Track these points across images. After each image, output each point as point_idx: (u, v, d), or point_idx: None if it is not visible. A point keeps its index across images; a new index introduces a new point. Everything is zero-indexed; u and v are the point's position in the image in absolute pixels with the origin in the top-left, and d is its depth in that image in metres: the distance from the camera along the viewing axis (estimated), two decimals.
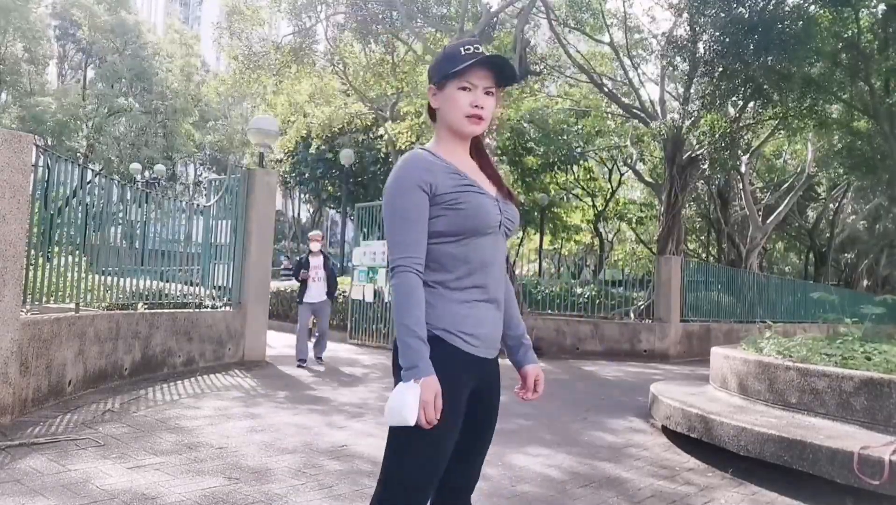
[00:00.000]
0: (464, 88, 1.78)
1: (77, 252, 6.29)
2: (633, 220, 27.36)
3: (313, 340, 11.74)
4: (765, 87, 12.85)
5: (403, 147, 19.59)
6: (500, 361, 1.93)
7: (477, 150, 1.91)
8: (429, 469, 1.73)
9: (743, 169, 20.08)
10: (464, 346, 1.73)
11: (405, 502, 1.73)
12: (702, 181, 21.84)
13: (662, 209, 16.32)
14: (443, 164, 1.77)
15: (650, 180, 22.80)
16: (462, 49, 1.79)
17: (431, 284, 1.74)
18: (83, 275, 6.33)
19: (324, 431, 5.18)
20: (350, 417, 5.75)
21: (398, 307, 1.67)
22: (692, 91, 14.83)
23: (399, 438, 1.71)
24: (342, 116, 19.54)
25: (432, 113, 1.89)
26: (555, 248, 31.90)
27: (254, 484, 3.76)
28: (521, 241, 31.01)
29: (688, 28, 13.96)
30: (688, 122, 14.01)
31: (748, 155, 19.43)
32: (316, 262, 9.17)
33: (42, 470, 3.77)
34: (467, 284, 1.76)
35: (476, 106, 1.78)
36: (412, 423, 1.61)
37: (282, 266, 28.32)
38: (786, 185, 23.74)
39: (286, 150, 22.88)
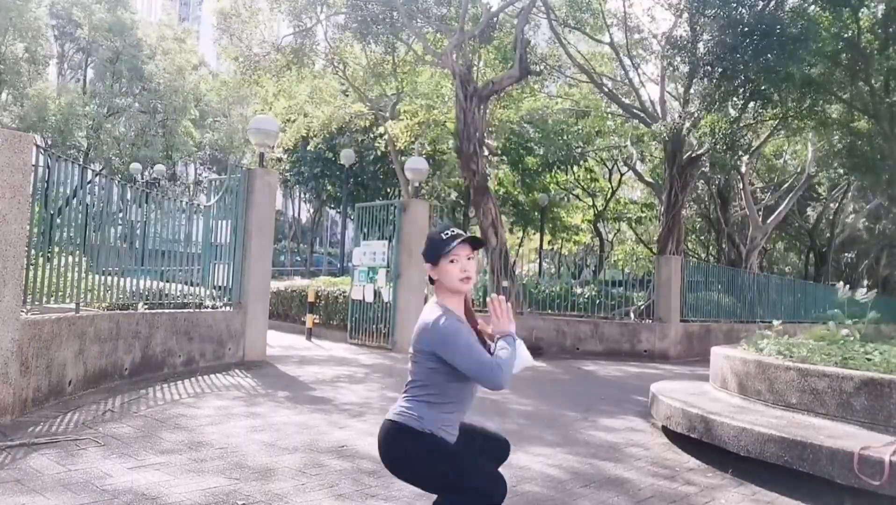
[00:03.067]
0: (452, 262, 2.47)
1: (77, 252, 6.29)
2: (633, 221, 27.35)
3: (313, 340, 11.76)
4: (765, 87, 12.83)
5: (403, 147, 19.62)
6: None
7: (466, 306, 2.61)
8: (482, 469, 2.50)
9: (743, 169, 20.07)
10: (447, 437, 2.50)
11: (484, 478, 2.47)
12: (702, 181, 21.84)
13: (662, 209, 16.31)
14: (462, 321, 2.51)
15: (650, 180, 22.78)
16: (442, 235, 2.49)
17: (431, 403, 2.45)
18: (83, 275, 6.33)
19: (325, 430, 5.18)
20: (351, 416, 5.75)
21: (509, 368, 2.42)
22: (692, 91, 14.81)
23: (460, 474, 2.44)
24: (342, 116, 19.53)
25: (432, 280, 2.54)
26: (555, 249, 31.90)
27: (255, 483, 3.77)
28: (522, 241, 31.01)
29: (688, 28, 13.94)
30: (688, 123, 14.00)
31: (748, 155, 19.41)
32: None
33: (42, 470, 3.77)
34: (453, 410, 2.51)
35: (464, 271, 2.48)
36: (527, 354, 2.59)
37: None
38: (786, 185, 23.72)
39: (286, 150, 22.87)
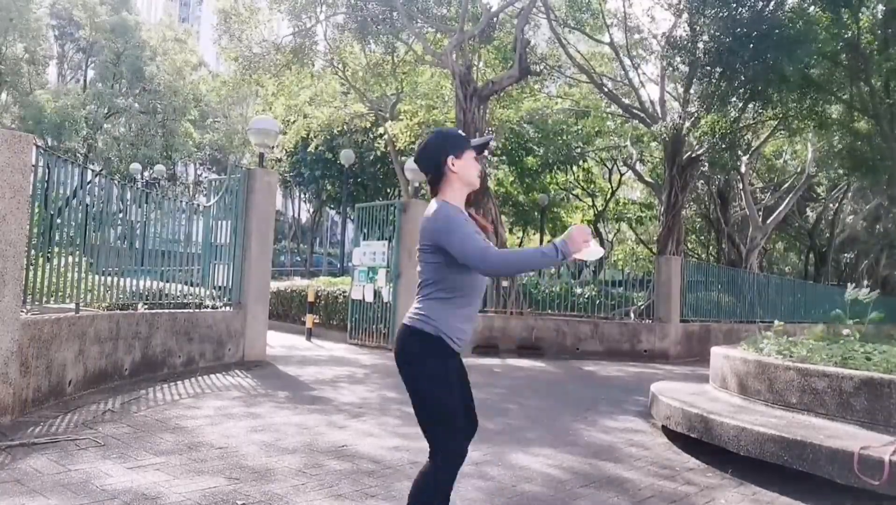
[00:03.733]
0: (475, 157, 2.64)
1: (77, 252, 6.28)
2: (633, 221, 27.35)
3: (313, 340, 11.76)
4: (765, 87, 12.84)
5: (403, 147, 19.61)
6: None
7: (469, 203, 2.71)
8: (459, 415, 2.57)
9: (743, 169, 20.07)
10: (452, 344, 2.55)
11: (458, 456, 2.54)
12: (702, 181, 21.84)
13: (662, 209, 16.32)
14: (465, 215, 2.58)
15: (650, 180, 22.79)
16: (459, 132, 2.71)
17: (442, 298, 2.51)
18: (83, 275, 6.33)
19: (325, 430, 5.18)
20: (351, 416, 5.75)
21: (514, 262, 2.55)
22: (692, 91, 14.82)
23: (437, 409, 2.51)
24: (342, 117, 19.52)
25: (435, 180, 2.61)
26: None
27: (254, 484, 3.77)
28: (521, 241, 31.01)
29: (688, 28, 13.95)
30: (688, 123, 14.00)
31: (748, 155, 19.42)
32: None
33: (42, 470, 3.77)
34: (465, 304, 2.56)
35: (479, 168, 2.67)
36: (599, 250, 2.44)
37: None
38: (786, 185, 23.74)
39: (286, 151, 22.87)
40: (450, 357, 2.55)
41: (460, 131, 2.69)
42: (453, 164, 2.58)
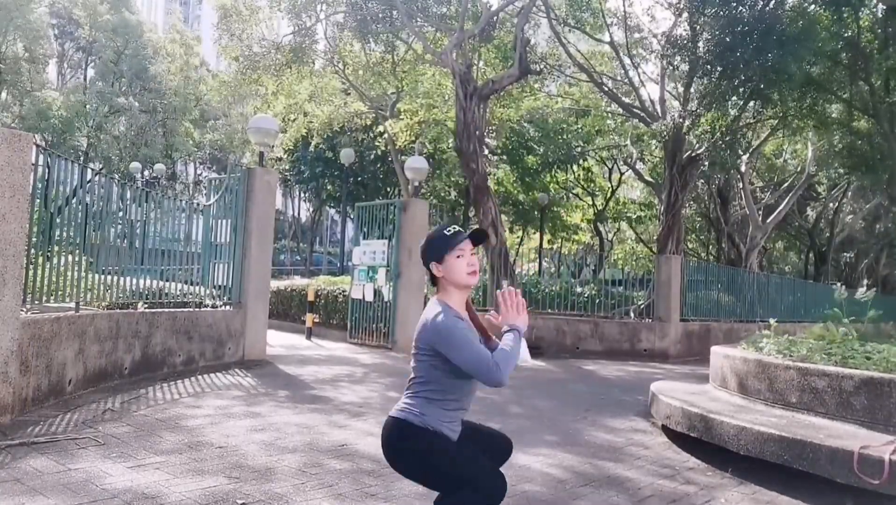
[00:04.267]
0: (459, 257, 2.53)
1: (77, 251, 6.28)
2: (633, 220, 27.34)
3: (313, 339, 11.76)
4: (765, 86, 12.83)
5: (403, 146, 19.61)
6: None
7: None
8: (482, 463, 2.52)
9: (743, 168, 20.06)
10: (448, 433, 2.52)
11: (494, 480, 2.48)
12: (702, 181, 21.82)
13: (662, 209, 16.31)
14: (462, 318, 2.54)
15: (650, 180, 22.77)
16: (446, 232, 2.56)
17: (434, 399, 2.49)
18: (83, 274, 6.33)
19: (325, 430, 5.18)
20: (351, 416, 5.75)
21: (513, 359, 2.43)
22: (692, 90, 14.81)
23: (458, 477, 2.45)
24: (342, 116, 19.52)
25: (434, 279, 2.59)
26: (554, 248, 31.89)
27: (254, 483, 3.77)
28: (521, 240, 30.99)
29: (688, 27, 13.94)
30: (688, 122, 13.99)
31: (748, 154, 19.42)
32: None
33: (42, 469, 3.77)
34: (456, 407, 2.55)
35: (470, 265, 2.55)
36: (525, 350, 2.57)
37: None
38: (786, 184, 23.72)
39: (286, 149, 22.86)
40: (451, 439, 2.52)
41: (449, 229, 2.58)
42: (438, 270, 2.55)
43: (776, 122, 16.51)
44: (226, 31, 17.28)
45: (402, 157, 18.29)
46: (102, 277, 6.77)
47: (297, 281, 17.26)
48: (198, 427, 5.00)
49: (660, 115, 16.16)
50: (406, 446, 2.49)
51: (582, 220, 28.98)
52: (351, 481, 3.90)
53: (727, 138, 13.85)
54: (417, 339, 2.51)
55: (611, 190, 26.60)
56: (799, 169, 22.98)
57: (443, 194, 27.21)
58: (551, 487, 4.05)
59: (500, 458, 2.72)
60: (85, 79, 35.88)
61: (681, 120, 14.11)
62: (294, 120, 19.35)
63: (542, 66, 16.67)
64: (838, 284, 6.61)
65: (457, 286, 2.56)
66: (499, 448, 2.74)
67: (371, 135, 23.87)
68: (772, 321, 6.32)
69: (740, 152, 17.08)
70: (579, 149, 21.62)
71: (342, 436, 5.01)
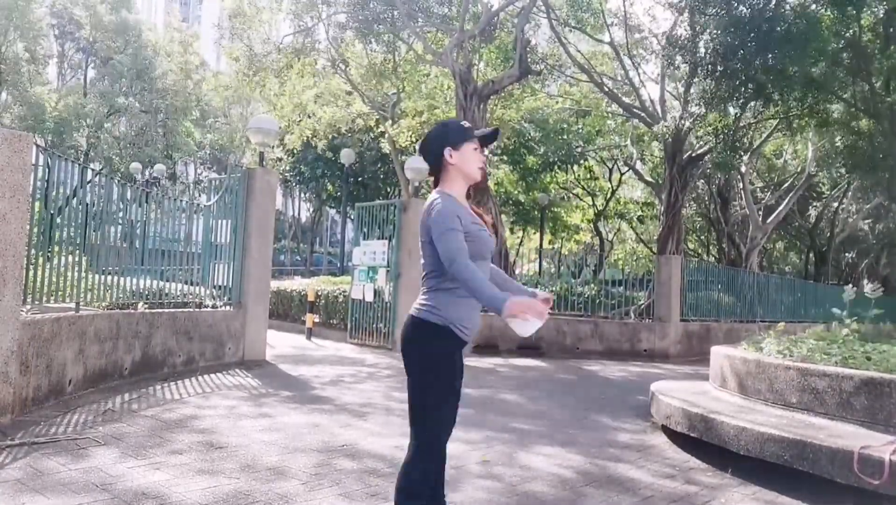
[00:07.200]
0: (475, 149, 2.60)
1: (77, 251, 6.28)
2: (634, 218, 27.33)
3: (313, 339, 11.76)
4: (766, 86, 12.83)
5: (404, 146, 19.60)
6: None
7: (469, 195, 2.69)
8: (450, 420, 2.57)
9: (743, 169, 20.05)
10: (460, 334, 2.52)
11: (438, 452, 2.55)
12: (702, 181, 21.83)
13: (662, 209, 16.32)
14: (463, 206, 2.56)
15: (650, 180, 22.78)
16: (461, 123, 2.64)
17: (446, 289, 2.48)
18: (83, 274, 6.33)
19: (328, 429, 5.18)
20: (354, 416, 5.75)
21: (471, 280, 2.36)
22: (693, 91, 14.81)
23: (432, 407, 2.49)
24: (346, 117, 19.53)
25: (435, 170, 2.60)
26: (555, 248, 31.89)
27: (255, 483, 3.76)
28: (522, 240, 31.00)
29: (688, 27, 13.95)
30: (688, 123, 13.99)
31: (749, 154, 19.40)
32: None
33: (42, 469, 3.77)
34: (466, 294, 2.45)
35: (480, 160, 2.62)
36: (532, 329, 2.40)
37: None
38: (786, 184, 23.71)
39: (289, 151, 22.87)
40: (456, 348, 2.53)
41: (465, 123, 2.66)
42: (451, 156, 2.56)
43: (777, 122, 16.50)
44: (227, 30, 17.28)
45: (403, 158, 18.29)
46: (102, 277, 6.77)
47: (298, 281, 17.26)
48: (199, 427, 5.00)
49: (660, 115, 16.17)
50: (419, 338, 2.52)
51: (582, 221, 28.98)
52: (356, 481, 3.90)
53: (729, 139, 13.84)
54: (421, 232, 2.52)
55: (611, 190, 26.60)
56: (799, 169, 22.97)
57: None
58: (555, 486, 4.05)
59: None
60: (85, 79, 35.88)
61: (681, 121, 14.11)
62: (299, 122, 19.36)
63: (542, 67, 16.66)
64: (849, 286, 6.59)
65: (466, 176, 2.59)
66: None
67: (372, 135, 23.87)
68: (780, 325, 6.31)
69: (741, 153, 17.07)
70: (579, 149, 21.64)
71: (346, 436, 5.01)
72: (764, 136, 19.07)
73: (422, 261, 2.57)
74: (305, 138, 19.79)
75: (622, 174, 26.57)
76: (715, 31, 12.64)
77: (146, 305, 7.39)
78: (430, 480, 2.52)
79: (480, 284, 2.36)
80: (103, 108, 31.84)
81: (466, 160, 2.57)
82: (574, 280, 13.68)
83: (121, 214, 7.70)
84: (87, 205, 6.62)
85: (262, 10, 17.34)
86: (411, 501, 2.46)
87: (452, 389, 2.53)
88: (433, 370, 2.49)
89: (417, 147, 2.72)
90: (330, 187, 32.51)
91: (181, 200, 9.08)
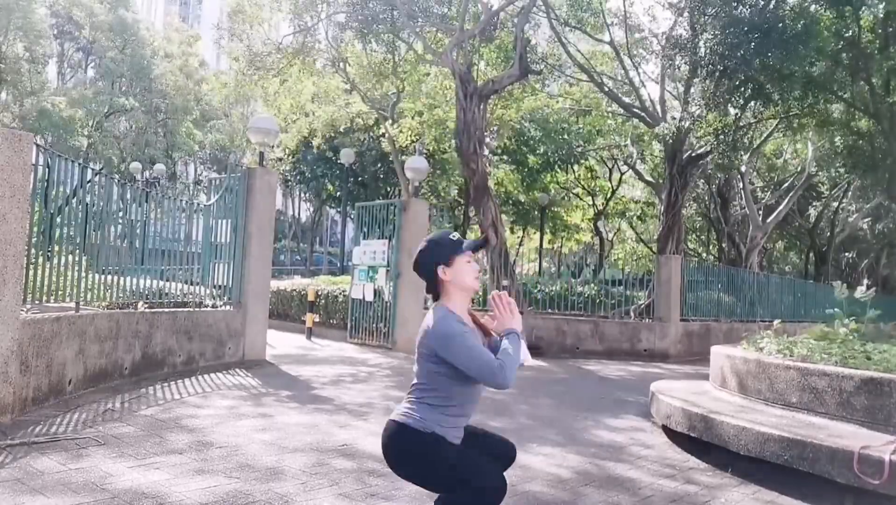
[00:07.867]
0: (468, 261, 2.58)
1: (77, 251, 6.28)
2: (634, 217, 27.32)
3: (313, 339, 11.75)
4: (766, 86, 12.82)
5: (404, 146, 19.61)
6: None
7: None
8: (485, 465, 2.52)
9: (743, 168, 20.05)
10: (452, 439, 2.51)
11: (494, 478, 2.47)
12: (702, 180, 21.82)
13: (662, 208, 16.31)
14: (465, 323, 2.53)
15: (650, 179, 22.77)
16: (450, 237, 2.62)
17: (436, 405, 2.48)
18: (83, 274, 6.33)
19: (328, 430, 5.18)
20: (354, 416, 5.75)
21: (516, 361, 2.46)
22: (693, 91, 14.80)
23: (463, 482, 2.42)
24: (345, 116, 19.52)
25: (431, 286, 2.58)
26: (555, 248, 31.90)
27: (255, 483, 3.76)
28: (522, 240, 31.00)
29: (688, 27, 13.94)
30: (688, 123, 13.98)
31: (749, 154, 19.40)
32: None
33: (43, 469, 3.77)
34: (458, 413, 2.53)
35: (475, 269, 2.61)
36: (526, 352, 2.57)
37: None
38: (786, 184, 23.71)
39: (287, 150, 22.85)
40: (453, 444, 2.51)
41: (454, 235, 2.65)
42: (445, 273, 2.54)
43: (777, 121, 16.50)
44: (227, 30, 17.28)
45: (403, 158, 18.29)
46: (102, 276, 6.77)
47: (298, 281, 17.25)
48: (199, 427, 5.00)
49: (660, 115, 16.16)
50: (407, 450, 2.49)
51: (582, 220, 28.98)
52: (355, 481, 3.90)
53: (729, 139, 13.84)
54: (420, 344, 2.51)
55: (611, 190, 26.60)
56: (799, 169, 22.96)
57: (443, 194, 27.20)
58: (555, 486, 4.05)
59: (504, 463, 2.70)
60: (85, 78, 35.89)
61: (681, 121, 14.10)
62: (296, 121, 19.35)
63: (542, 66, 16.66)
64: (839, 283, 6.58)
65: (463, 289, 2.58)
66: (503, 453, 2.72)
67: (372, 135, 23.86)
68: (776, 323, 6.31)
69: (741, 153, 17.07)
70: (580, 148, 21.63)
71: (345, 436, 5.01)
72: (764, 136, 19.06)
73: (415, 368, 2.56)
74: (303, 136, 19.78)
75: (622, 174, 26.57)
76: (715, 31, 12.63)
77: (146, 305, 7.39)
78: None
79: (515, 353, 2.47)
80: (103, 108, 31.84)
81: (460, 274, 2.56)
82: (574, 280, 13.67)
83: (121, 214, 7.69)
84: (86, 204, 6.62)
85: (262, 7, 17.31)
86: None
87: (469, 457, 2.49)
88: (440, 470, 2.47)
89: (413, 262, 2.68)
90: (330, 187, 32.48)
91: (181, 200, 9.08)
